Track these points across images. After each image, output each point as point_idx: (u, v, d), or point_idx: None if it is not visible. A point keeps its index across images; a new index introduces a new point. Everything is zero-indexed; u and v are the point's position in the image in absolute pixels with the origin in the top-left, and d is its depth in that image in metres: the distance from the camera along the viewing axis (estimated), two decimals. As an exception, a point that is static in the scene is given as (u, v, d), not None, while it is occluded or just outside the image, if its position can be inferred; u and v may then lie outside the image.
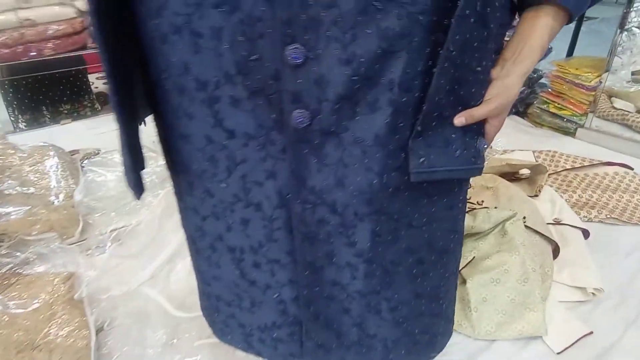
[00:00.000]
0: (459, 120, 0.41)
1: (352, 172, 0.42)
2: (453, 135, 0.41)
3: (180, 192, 0.53)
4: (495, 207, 1.15)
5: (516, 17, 0.44)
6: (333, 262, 0.48)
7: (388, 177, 0.42)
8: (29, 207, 1.13)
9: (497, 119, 0.43)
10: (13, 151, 1.34)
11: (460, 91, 0.39)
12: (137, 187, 0.48)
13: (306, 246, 0.47)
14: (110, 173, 1.31)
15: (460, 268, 0.96)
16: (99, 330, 0.92)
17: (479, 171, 0.44)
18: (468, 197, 0.75)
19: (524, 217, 1.09)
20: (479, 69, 0.40)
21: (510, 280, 0.93)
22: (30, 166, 1.32)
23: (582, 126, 1.70)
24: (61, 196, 1.24)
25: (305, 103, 0.38)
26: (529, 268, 0.93)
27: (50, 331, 0.87)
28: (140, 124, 0.48)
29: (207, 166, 0.45)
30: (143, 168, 0.49)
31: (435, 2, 0.35)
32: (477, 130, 0.43)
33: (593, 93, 1.65)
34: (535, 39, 0.41)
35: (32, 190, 1.22)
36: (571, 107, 1.71)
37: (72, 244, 1.10)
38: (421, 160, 0.41)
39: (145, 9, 0.39)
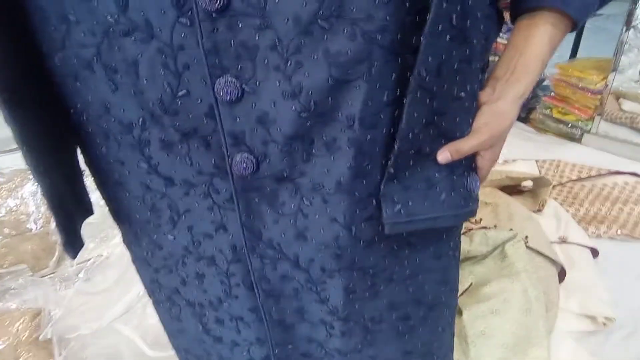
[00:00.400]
0: (443, 156, 0.34)
1: (314, 224, 0.36)
2: (436, 175, 0.35)
3: (128, 242, 0.47)
4: (495, 226, 1.07)
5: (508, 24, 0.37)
6: (304, 319, 0.43)
7: (357, 229, 0.36)
8: (1, 237, 1.08)
9: (490, 151, 0.36)
10: (-8, 175, 1.30)
11: (441, 122, 0.33)
12: (73, 242, 0.41)
13: (271, 303, 0.42)
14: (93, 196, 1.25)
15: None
16: (67, 372, 0.86)
17: (471, 214, 0.37)
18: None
19: (526, 237, 1.01)
20: (462, 94, 0.33)
21: (511, 310, 0.85)
22: (8, 191, 1.27)
23: (588, 131, 1.61)
24: (40, 222, 1.19)
25: (248, 146, 0.33)
26: (531, 297, 0.85)
27: (14, 376, 0.81)
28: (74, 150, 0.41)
29: (149, 216, 0.40)
30: (88, 215, 0.43)
31: (397, 17, 0.28)
32: (467, 166, 0.36)
33: (599, 96, 1.57)
34: (532, 51, 0.34)
35: (7, 217, 1.17)
36: (576, 111, 1.62)
37: (45, 275, 1.04)
38: (397, 208, 0.34)
39: (48, 41, 0.33)
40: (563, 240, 1.08)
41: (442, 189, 0.35)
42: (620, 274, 1.01)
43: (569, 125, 1.65)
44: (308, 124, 0.31)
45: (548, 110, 1.70)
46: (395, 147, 0.32)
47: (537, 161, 1.45)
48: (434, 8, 0.27)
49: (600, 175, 1.36)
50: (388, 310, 0.43)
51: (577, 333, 0.88)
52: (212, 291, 0.43)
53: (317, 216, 0.36)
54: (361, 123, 0.31)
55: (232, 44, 0.29)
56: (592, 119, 1.60)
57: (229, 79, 0.30)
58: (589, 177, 1.36)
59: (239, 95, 0.30)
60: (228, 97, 0.30)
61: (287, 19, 0.28)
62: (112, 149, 0.36)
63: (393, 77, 0.31)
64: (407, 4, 0.28)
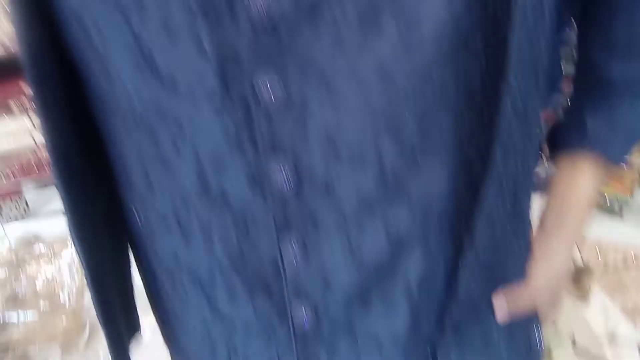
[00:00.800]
0: (502, 315, 0.33)
1: None
2: (495, 329, 0.34)
3: None
4: (537, 320, 1.01)
5: None
6: None
7: None
8: (36, 311, 1.10)
9: (549, 302, 0.35)
10: (34, 241, 1.34)
11: (494, 276, 0.32)
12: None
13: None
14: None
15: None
16: None
17: None
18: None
19: (573, 336, 0.94)
20: (515, 243, 0.33)
21: None
22: (47, 259, 1.31)
23: (628, 205, 1.54)
24: (74, 294, 1.20)
25: (310, 301, 0.33)
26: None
27: None
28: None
29: (205, 352, 0.40)
30: (136, 333, 0.44)
31: (453, 194, 0.29)
32: (529, 316, 0.35)
33: (636, 169, 1.51)
34: (578, 196, 0.34)
35: (44, 289, 1.19)
36: (614, 183, 1.56)
37: (73, 355, 1.04)
38: None
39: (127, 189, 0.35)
40: (612, 338, 1.00)
41: (503, 346, 0.33)
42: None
43: (607, 200, 1.59)
44: (366, 284, 0.32)
45: (584, 182, 1.65)
46: (452, 305, 0.31)
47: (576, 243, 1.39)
48: (488, 189, 0.27)
49: (647, 259, 1.28)
50: None
51: None
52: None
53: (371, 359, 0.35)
54: (418, 285, 0.31)
55: (300, 213, 0.29)
56: (631, 192, 1.54)
57: (294, 240, 0.30)
58: (637, 261, 1.28)
59: (302, 255, 0.31)
60: (292, 257, 0.31)
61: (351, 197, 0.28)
62: (179, 290, 0.37)
63: (447, 245, 0.30)
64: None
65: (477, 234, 0.28)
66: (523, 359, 0.34)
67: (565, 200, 0.35)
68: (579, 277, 1.18)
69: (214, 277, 0.35)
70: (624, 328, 1.02)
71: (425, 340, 0.33)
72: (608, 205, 1.60)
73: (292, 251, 0.31)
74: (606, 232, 1.45)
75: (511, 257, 0.33)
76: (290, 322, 0.35)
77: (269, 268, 0.33)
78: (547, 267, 0.34)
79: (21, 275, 1.20)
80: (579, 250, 1.34)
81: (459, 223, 0.30)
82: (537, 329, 0.35)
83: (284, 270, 0.32)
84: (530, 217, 0.35)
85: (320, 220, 0.30)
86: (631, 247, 1.34)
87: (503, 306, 0.33)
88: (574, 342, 0.92)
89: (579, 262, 1.17)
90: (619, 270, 1.26)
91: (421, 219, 0.29)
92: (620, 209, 1.58)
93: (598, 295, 1.12)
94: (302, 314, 0.33)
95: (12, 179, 1.23)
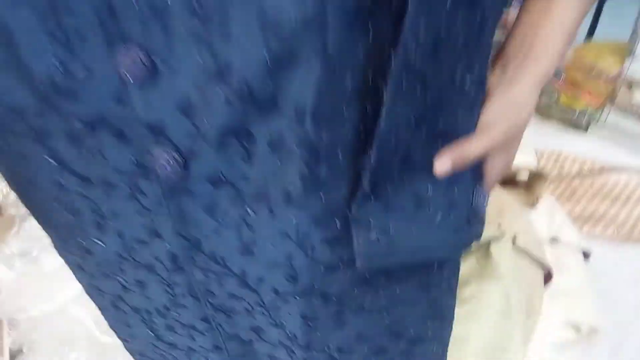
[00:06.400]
0: (443, 166, 0.26)
1: (262, 238, 0.30)
2: (430, 190, 0.27)
3: (57, 247, 0.41)
4: (483, 221, 1.00)
5: None
6: (262, 338, 0.38)
7: (315, 252, 0.29)
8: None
9: (503, 154, 0.28)
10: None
11: (436, 119, 0.25)
12: None
13: (222, 317, 0.38)
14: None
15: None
16: (17, 353, 0.82)
17: (475, 238, 0.30)
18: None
19: (514, 236, 0.94)
20: (467, 79, 0.25)
21: (490, 314, 0.79)
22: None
23: (596, 121, 1.51)
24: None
25: (170, 140, 0.26)
26: (512, 302, 0.79)
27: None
28: None
29: (72, 220, 0.34)
30: None
31: None
32: (472, 176, 0.28)
33: (613, 84, 1.45)
34: (554, 21, 0.27)
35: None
36: (587, 96, 1.51)
37: None
38: (373, 236, 0.27)
39: None
40: (554, 240, 1.01)
41: (437, 209, 0.28)
42: (612, 280, 0.95)
43: (576, 113, 1.55)
44: (243, 115, 0.24)
45: (555, 96, 1.59)
46: (372, 155, 0.24)
47: (536, 150, 1.36)
48: None
49: (602, 170, 1.27)
50: (358, 341, 0.37)
51: (558, 343, 0.82)
52: (157, 299, 0.38)
53: (264, 230, 0.29)
54: (314, 118, 0.23)
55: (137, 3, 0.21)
56: (602, 107, 1.49)
57: (134, 49, 0.22)
58: (591, 172, 1.27)
59: (149, 72, 0.23)
60: (134, 75, 0.23)
61: None
62: (10, 140, 0.29)
63: (360, 53, 0.22)
64: None
65: (410, 21, 0.20)
66: (460, 228, 0.28)
67: (534, 23, 0.27)
68: (531, 184, 1.16)
69: (38, 113, 0.27)
70: (567, 232, 1.03)
71: (332, 204, 0.27)
72: (575, 118, 1.57)
73: (131, 67, 0.22)
74: (569, 145, 1.42)
75: (458, 94, 0.25)
76: (155, 174, 0.28)
77: (109, 96, 0.25)
78: (505, 107, 0.27)
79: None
80: (537, 157, 1.31)
81: (378, 12, 0.20)
82: (481, 193, 0.28)
83: (129, 97, 0.24)
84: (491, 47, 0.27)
85: (165, 16, 0.21)
86: (589, 159, 1.32)
87: (446, 159, 0.26)
88: (514, 242, 0.91)
89: (534, 168, 1.14)
90: (573, 179, 1.25)
91: (315, 5, 0.19)
92: (588, 123, 1.55)
93: (547, 201, 1.11)
94: (161, 160, 0.26)
95: None
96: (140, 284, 0.38)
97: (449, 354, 0.78)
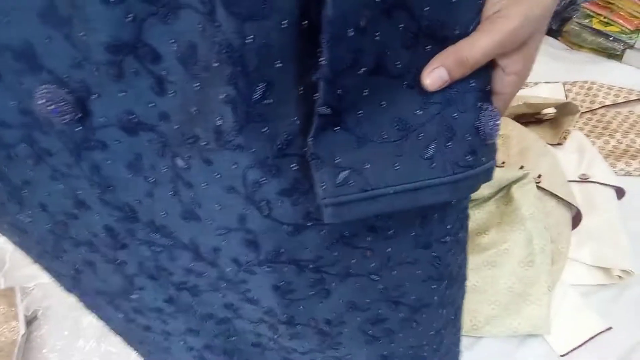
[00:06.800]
0: (434, 75, 0.20)
1: (205, 197, 0.25)
2: (418, 112, 0.21)
3: None
4: (503, 163, 0.92)
5: None
6: (240, 315, 0.34)
7: (272, 207, 0.24)
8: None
9: (517, 58, 0.21)
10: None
11: (421, 9, 0.19)
12: None
13: (187, 296, 0.34)
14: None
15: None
16: (32, 320, 0.83)
17: (485, 179, 0.23)
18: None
19: (539, 176, 0.86)
20: None
21: (510, 263, 0.73)
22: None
23: (631, 46, 1.35)
24: None
25: (50, 71, 0.20)
26: (536, 247, 0.73)
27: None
28: None
29: None
30: None
31: None
32: (477, 89, 0.21)
33: (653, 1, 1.27)
34: None
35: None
36: (620, 21, 1.34)
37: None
38: (342, 175, 0.21)
39: None
40: (584, 179, 0.92)
41: (430, 138, 0.21)
42: (647, 219, 0.87)
43: (610, 39, 1.38)
44: (134, 22, 0.18)
45: (587, 20, 1.42)
46: (324, 58, 0.18)
47: (564, 84, 1.23)
48: None
49: (639, 101, 1.14)
50: (349, 311, 0.32)
51: (585, 287, 0.76)
52: (112, 281, 0.34)
53: (204, 186, 0.24)
54: (229, 8, 0.17)
55: None
56: (637, 31, 1.33)
57: None
58: (627, 101, 1.14)
59: None
60: None
61: None
62: None
63: None
64: None
65: None
66: (464, 162, 0.22)
67: None
68: (559, 119, 1.05)
69: None
70: (599, 169, 0.93)
71: (280, 137, 0.21)
72: (608, 44, 1.41)
73: None
74: (602, 75, 1.28)
75: None
76: (49, 123, 0.22)
77: None
78: None
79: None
80: (565, 91, 1.19)
81: None
82: (491, 115, 0.21)
83: None
84: None
85: None
86: (625, 89, 1.18)
87: (439, 69, 0.19)
88: (538, 183, 0.84)
89: (563, 99, 1.03)
90: (607, 112, 1.13)
91: None
92: (623, 51, 1.39)
93: (577, 137, 1.01)
94: (48, 101, 0.21)
95: None
96: (90, 264, 0.33)
97: (464, 304, 0.74)
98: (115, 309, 0.40)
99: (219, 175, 0.23)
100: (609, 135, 1.06)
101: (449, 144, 0.21)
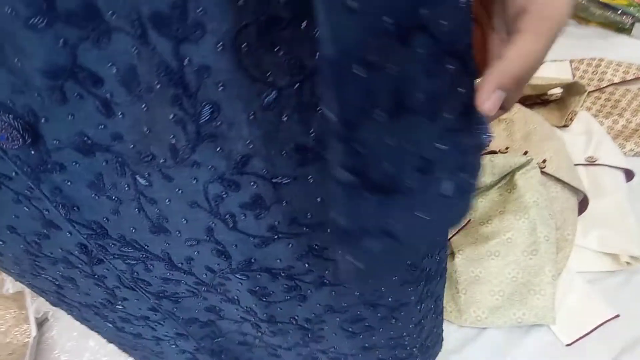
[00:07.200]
0: (495, 98, 0.18)
1: (170, 212, 0.25)
2: (438, 143, 0.19)
3: None
4: (507, 149, 0.89)
5: None
6: (223, 317, 0.35)
7: (237, 221, 0.24)
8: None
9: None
10: None
11: (439, 23, 0.17)
12: None
13: (168, 304, 0.35)
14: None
15: (449, 237, 0.77)
16: (43, 322, 0.85)
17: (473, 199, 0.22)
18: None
19: (544, 161, 0.84)
20: None
21: (514, 252, 0.72)
22: None
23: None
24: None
25: None
26: (540, 236, 0.72)
27: (-13, 328, 0.80)
28: None
29: None
30: None
31: None
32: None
33: (666, -32, 1.21)
34: None
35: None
36: (632, -8, 1.28)
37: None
38: (369, 244, 0.20)
39: None
40: (591, 162, 0.90)
41: (448, 171, 0.20)
42: (658, 201, 0.84)
43: (618, 12, 1.32)
44: (67, 47, 0.17)
45: (595, -7, 1.36)
46: (329, 110, 0.16)
47: (572, 61, 1.19)
48: None
49: (651, 75, 1.10)
50: (327, 313, 0.32)
51: (592, 274, 0.75)
52: (95, 294, 0.35)
53: (167, 201, 0.24)
54: (157, 25, 0.16)
55: None
56: (651, 0, 1.26)
57: None
58: (637, 78, 1.10)
59: None
60: None
61: None
62: None
63: None
64: None
65: None
66: (467, 189, 0.21)
67: None
68: (566, 100, 1.02)
69: None
70: (607, 151, 0.91)
71: (239, 150, 0.20)
72: (617, 18, 1.35)
73: None
74: (610, 51, 1.23)
75: None
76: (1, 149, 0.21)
77: None
78: None
79: None
80: (573, 70, 1.15)
81: None
82: (486, 131, 0.20)
83: None
84: None
85: None
86: (635, 65, 1.14)
87: (496, 92, 0.17)
88: (542, 168, 0.81)
89: (570, 78, 0.99)
90: (615, 90, 1.09)
91: None
92: (632, 25, 1.33)
93: (583, 117, 0.98)
94: None
95: None
96: (70, 280, 0.34)
97: (467, 294, 0.73)
98: (104, 319, 0.41)
99: (180, 191, 0.23)
100: (617, 114, 1.03)
101: (462, 174, 0.20)
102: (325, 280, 0.29)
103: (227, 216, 0.24)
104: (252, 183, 0.21)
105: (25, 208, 0.26)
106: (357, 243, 0.19)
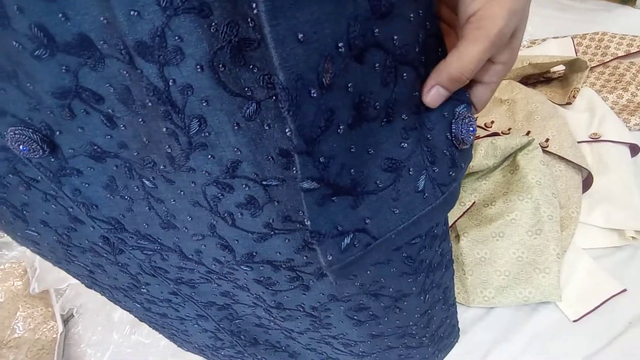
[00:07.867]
0: (433, 93, 0.20)
1: (176, 210, 0.27)
2: (402, 143, 0.21)
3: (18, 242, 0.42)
4: (509, 130, 0.90)
5: None
6: (237, 301, 0.38)
7: (235, 219, 0.26)
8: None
9: (506, 48, 0.20)
10: None
11: (391, 38, 0.18)
12: None
13: (186, 289, 0.38)
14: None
15: (454, 220, 0.78)
16: (69, 318, 0.89)
17: (462, 178, 0.23)
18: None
19: (546, 140, 0.84)
20: None
21: (518, 232, 0.73)
22: None
23: (650, -14, 1.26)
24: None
25: (14, 116, 0.23)
26: (544, 215, 0.73)
27: (17, 326, 0.85)
28: None
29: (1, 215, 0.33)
30: None
31: None
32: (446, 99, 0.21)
33: None
34: None
35: None
36: (636, -40, 1.24)
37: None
38: (346, 241, 0.21)
39: None
40: (595, 139, 0.89)
41: (419, 168, 0.21)
42: (664, 174, 0.84)
43: (624, -18, 1.29)
44: (68, 73, 0.20)
45: (597, -36, 1.33)
46: (289, 130, 0.17)
47: (574, 37, 1.17)
48: None
49: (656, 46, 1.08)
50: (332, 302, 0.34)
51: (597, 250, 0.76)
52: (122, 279, 0.39)
53: (172, 201, 0.26)
54: (142, 53, 0.18)
55: None
56: (657, -32, 1.23)
57: None
58: (641, 50, 1.08)
59: None
60: None
61: None
62: None
63: None
64: None
65: None
66: (446, 183, 0.22)
67: None
68: (568, 77, 1.01)
69: None
70: (611, 126, 0.90)
71: (229, 158, 0.21)
72: (622, -12, 1.31)
73: None
74: (614, 24, 1.21)
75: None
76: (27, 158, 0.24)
77: None
78: None
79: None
80: (575, 46, 1.14)
81: None
82: (466, 122, 0.21)
83: None
84: None
85: None
86: (639, 37, 1.12)
87: (436, 89, 0.19)
88: (545, 147, 0.82)
89: (572, 55, 0.98)
90: (620, 63, 1.07)
91: None
92: (638, -8, 1.30)
93: (586, 94, 0.97)
94: (16, 141, 0.23)
95: None
96: (99, 266, 0.37)
97: (474, 276, 0.74)
98: (133, 301, 0.44)
99: (182, 192, 0.25)
100: (622, 88, 1.02)
101: (435, 167, 0.22)
102: (324, 272, 0.30)
103: (225, 214, 0.26)
104: (244, 185, 0.23)
105: (53, 205, 0.29)
106: (334, 243, 0.21)
